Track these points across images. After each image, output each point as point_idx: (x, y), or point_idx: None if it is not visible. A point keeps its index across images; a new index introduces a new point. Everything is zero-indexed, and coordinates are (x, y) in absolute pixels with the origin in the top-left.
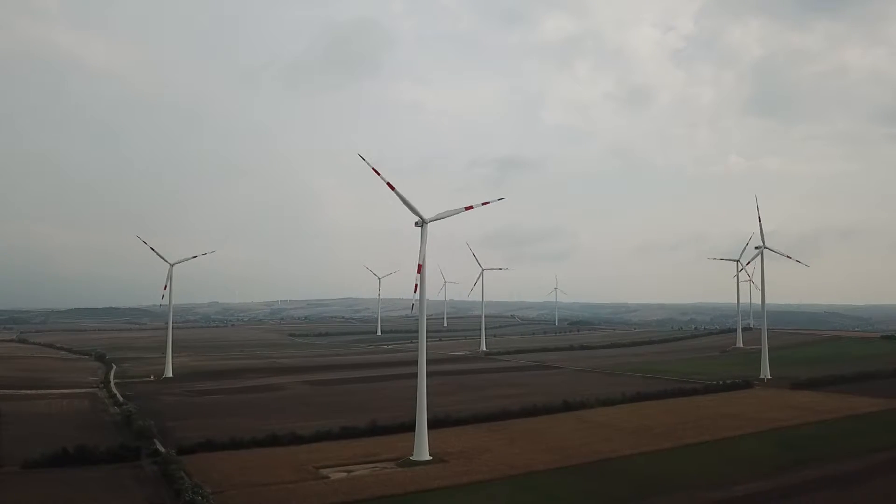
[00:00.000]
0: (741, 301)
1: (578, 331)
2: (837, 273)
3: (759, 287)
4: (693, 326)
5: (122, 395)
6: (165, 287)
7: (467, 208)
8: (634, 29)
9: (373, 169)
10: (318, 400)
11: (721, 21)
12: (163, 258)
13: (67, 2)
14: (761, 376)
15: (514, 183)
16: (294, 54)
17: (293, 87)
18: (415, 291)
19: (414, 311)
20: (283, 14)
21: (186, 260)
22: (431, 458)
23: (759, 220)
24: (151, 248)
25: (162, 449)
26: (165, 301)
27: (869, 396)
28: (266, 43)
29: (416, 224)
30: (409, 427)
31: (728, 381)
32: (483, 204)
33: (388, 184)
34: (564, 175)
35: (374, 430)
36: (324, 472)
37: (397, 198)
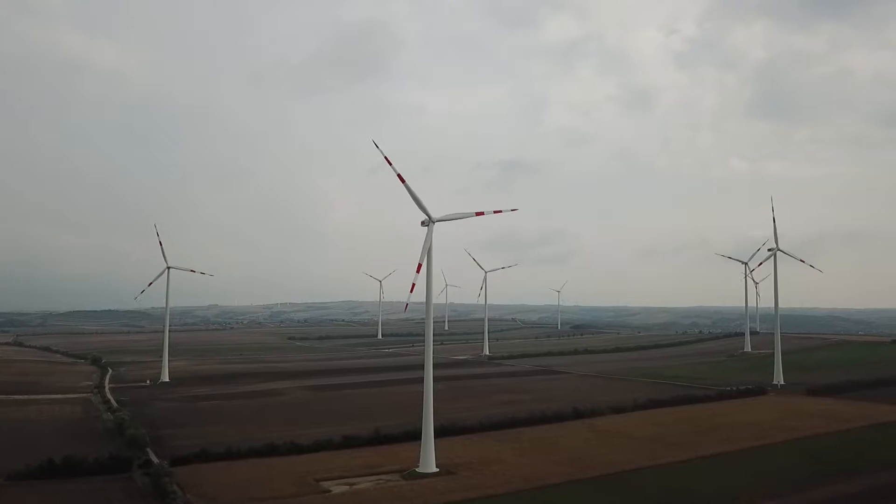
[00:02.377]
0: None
1: (582, 334)
2: (839, 277)
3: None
4: (698, 330)
5: (116, 401)
6: (150, 284)
7: (478, 213)
8: (637, 31)
9: (385, 158)
10: (318, 406)
11: (724, 24)
12: (164, 257)
13: (73, 3)
14: (774, 382)
15: (517, 185)
16: (301, 56)
17: (299, 89)
18: (411, 291)
19: (408, 311)
20: (290, 16)
21: (183, 269)
22: (438, 469)
23: (774, 221)
24: (160, 243)
25: (155, 460)
26: (140, 300)
27: (889, 404)
28: (273, 44)
29: (423, 223)
30: (414, 436)
31: (741, 388)
32: (495, 212)
33: (399, 175)
34: (567, 178)
35: (377, 439)
36: (325, 484)
37: (407, 193)
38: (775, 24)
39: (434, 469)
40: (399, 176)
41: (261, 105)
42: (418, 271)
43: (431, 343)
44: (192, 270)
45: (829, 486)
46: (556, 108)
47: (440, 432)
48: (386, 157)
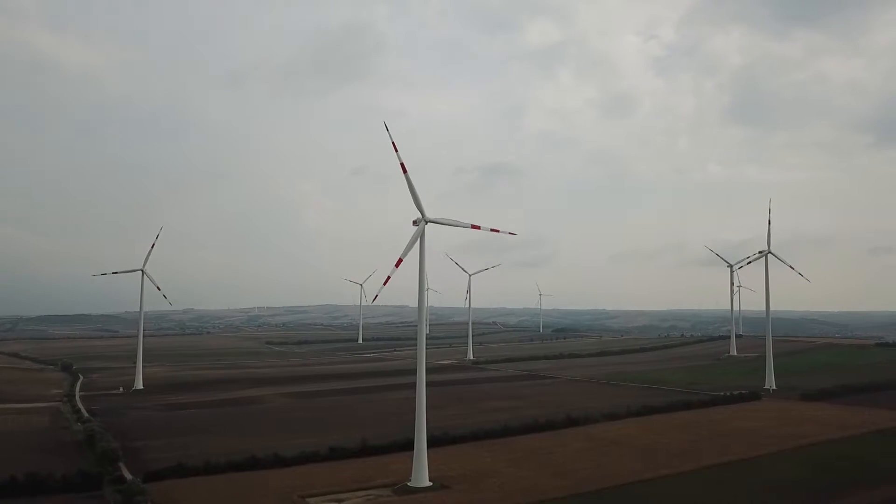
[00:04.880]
0: (722, 308)
1: (565, 338)
2: (812, 280)
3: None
4: (681, 334)
5: (87, 410)
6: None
7: (473, 226)
8: (617, 37)
9: (392, 143)
10: (301, 415)
11: (702, 30)
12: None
13: (46, 1)
14: (766, 386)
15: (497, 189)
16: (282, 58)
17: (279, 92)
18: (384, 283)
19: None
20: (272, 18)
21: (154, 285)
22: (432, 483)
23: (769, 224)
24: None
25: (128, 475)
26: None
27: (888, 409)
28: (254, 46)
29: (415, 222)
30: (404, 446)
31: (735, 393)
32: (492, 230)
33: (402, 164)
34: (547, 182)
35: (365, 451)
36: (311, 501)
37: (406, 185)
38: (752, 31)
39: (427, 483)
40: (402, 165)
41: (240, 107)
42: (397, 266)
43: (424, 348)
44: (158, 288)
45: (846, 498)
46: (537, 112)
47: (430, 442)
48: (393, 143)
